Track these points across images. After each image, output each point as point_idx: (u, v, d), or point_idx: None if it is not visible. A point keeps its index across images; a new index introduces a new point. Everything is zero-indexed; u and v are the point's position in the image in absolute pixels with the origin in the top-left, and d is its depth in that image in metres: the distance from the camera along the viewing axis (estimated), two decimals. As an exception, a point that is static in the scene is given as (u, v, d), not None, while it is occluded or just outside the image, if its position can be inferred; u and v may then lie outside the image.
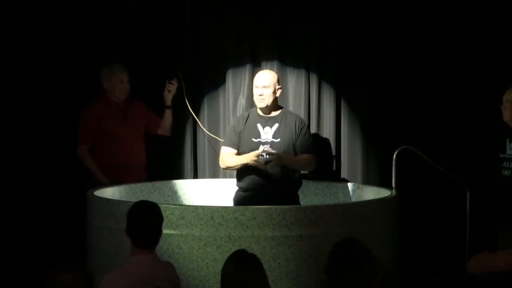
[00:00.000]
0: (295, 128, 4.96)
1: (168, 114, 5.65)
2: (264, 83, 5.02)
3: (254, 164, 4.84)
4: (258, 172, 4.87)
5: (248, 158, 4.87)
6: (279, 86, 5.08)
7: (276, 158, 4.81)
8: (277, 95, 5.05)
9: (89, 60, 5.75)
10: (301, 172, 5.13)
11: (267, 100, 5.00)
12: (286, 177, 4.89)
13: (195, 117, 5.75)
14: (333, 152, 5.65)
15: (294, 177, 4.99)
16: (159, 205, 3.69)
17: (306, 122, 5.13)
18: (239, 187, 5.03)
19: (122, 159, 5.39)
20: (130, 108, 5.53)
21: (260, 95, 5.01)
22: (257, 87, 5.05)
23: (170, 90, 5.60)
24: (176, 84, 5.61)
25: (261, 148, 4.87)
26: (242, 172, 4.98)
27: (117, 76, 5.44)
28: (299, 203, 4.99)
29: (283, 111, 5.08)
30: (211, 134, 5.74)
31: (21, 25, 5.69)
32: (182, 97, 5.70)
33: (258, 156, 4.84)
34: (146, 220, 3.57)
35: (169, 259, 3.93)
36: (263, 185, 4.88)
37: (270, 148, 4.89)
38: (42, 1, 5.72)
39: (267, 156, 4.87)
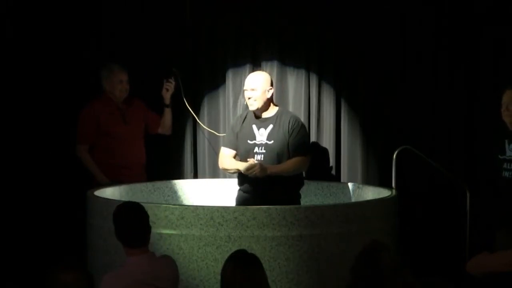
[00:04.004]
0: (288, 128, 4.92)
1: (167, 113, 5.65)
2: (250, 85, 4.97)
3: (246, 174, 4.83)
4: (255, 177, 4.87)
5: (241, 167, 4.86)
6: (270, 87, 4.99)
7: (256, 170, 4.76)
8: (268, 96, 4.98)
9: (89, 59, 5.75)
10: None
11: (257, 102, 4.95)
12: (284, 180, 4.87)
13: (193, 114, 5.74)
14: (333, 152, 5.65)
15: (294, 178, 4.97)
16: (159, 205, 3.70)
17: (301, 122, 5.06)
18: (240, 188, 5.03)
19: (121, 159, 5.39)
20: (130, 108, 5.53)
21: (249, 98, 4.98)
22: (245, 90, 5.02)
23: (168, 89, 5.60)
24: (174, 82, 5.60)
25: (250, 160, 4.85)
26: (241, 174, 4.97)
27: (116, 76, 5.44)
28: (299, 203, 4.98)
29: (278, 111, 5.02)
30: (210, 130, 5.74)
31: (20, 25, 5.69)
32: (180, 96, 5.70)
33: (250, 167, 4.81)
34: (134, 221, 3.59)
35: (169, 259, 3.93)
36: (261, 187, 4.86)
37: (253, 159, 4.85)
38: (42, 1, 5.72)
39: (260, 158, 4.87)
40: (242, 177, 4.97)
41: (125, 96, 5.50)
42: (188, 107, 5.71)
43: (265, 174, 4.79)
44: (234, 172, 5.06)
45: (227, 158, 5.06)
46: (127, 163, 5.41)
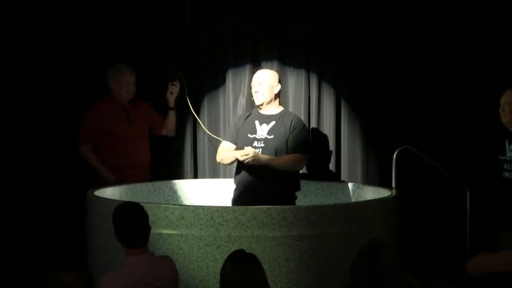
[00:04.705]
0: (290, 126, 4.96)
1: (171, 115, 5.65)
2: (258, 79, 5.05)
3: (242, 160, 4.86)
4: (246, 169, 4.89)
5: (237, 154, 4.90)
6: (278, 83, 5.06)
7: (250, 157, 4.81)
8: (275, 92, 5.04)
9: (90, 61, 5.75)
10: (290, 171, 5.04)
11: (264, 96, 5.01)
12: (276, 174, 4.87)
13: (197, 118, 5.76)
14: (333, 152, 5.65)
15: (290, 178, 4.97)
16: (159, 205, 3.70)
17: (303, 123, 5.12)
18: (235, 185, 5.05)
19: (126, 159, 5.38)
20: (135, 108, 5.52)
21: (256, 92, 5.03)
22: (253, 85, 5.09)
23: (173, 92, 5.60)
24: (178, 85, 5.61)
25: (247, 148, 4.88)
26: (238, 168, 5.02)
27: (124, 77, 5.43)
28: (292, 203, 4.97)
29: (283, 111, 5.09)
30: (212, 135, 5.73)
31: (21, 26, 5.69)
32: (183, 98, 5.70)
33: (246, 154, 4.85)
34: (134, 221, 3.59)
35: (169, 259, 3.93)
36: (253, 180, 4.89)
37: (254, 149, 4.88)
38: (43, 1, 5.72)
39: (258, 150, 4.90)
40: (238, 170, 5.00)
41: (131, 97, 5.50)
42: (194, 112, 5.74)
43: (260, 162, 4.82)
44: (231, 163, 5.08)
45: (225, 150, 5.09)
46: (131, 163, 5.40)
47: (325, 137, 5.66)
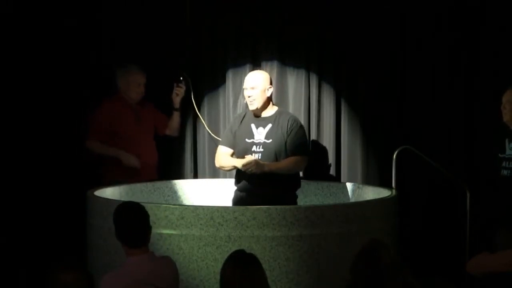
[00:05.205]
0: (287, 128, 4.92)
1: (176, 116, 5.66)
2: (250, 84, 4.99)
3: (244, 170, 4.84)
4: (247, 174, 4.86)
5: (238, 164, 4.87)
6: (270, 86, 5.01)
7: (253, 166, 4.78)
8: (268, 94, 5.00)
9: (89, 61, 5.75)
10: (291, 174, 5.03)
11: (257, 101, 4.96)
12: (280, 179, 4.87)
13: (202, 120, 5.77)
14: (333, 152, 5.65)
15: (290, 178, 4.97)
16: (159, 205, 3.70)
17: (300, 122, 5.07)
18: (236, 187, 5.03)
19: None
20: (143, 109, 5.53)
21: (249, 96, 4.99)
22: (245, 89, 5.03)
23: (178, 94, 5.60)
24: (184, 87, 5.62)
25: (247, 157, 4.86)
26: (238, 173, 4.99)
27: (133, 77, 5.42)
28: (295, 203, 4.97)
29: (277, 111, 5.04)
30: (217, 138, 5.72)
31: (22, 27, 5.69)
32: (187, 99, 5.70)
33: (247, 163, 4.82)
34: (134, 221, 3.58)
35: (169, 259, 3.93)
36: (257, 186, 4.86)
37: (251, 155, 4.86)
38: (45, 2, 5.72)
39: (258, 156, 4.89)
40: (239, 175, 4.98)
41: (140, 98, 5.50)
42: (199, 114, 5.75)
43: (262, 170, 4.79)
44: (230, 169, 5.08)
45: (224, 155, 5.07)
46: (139, 163, 5.39)
47: (325, 137, 5.66)
